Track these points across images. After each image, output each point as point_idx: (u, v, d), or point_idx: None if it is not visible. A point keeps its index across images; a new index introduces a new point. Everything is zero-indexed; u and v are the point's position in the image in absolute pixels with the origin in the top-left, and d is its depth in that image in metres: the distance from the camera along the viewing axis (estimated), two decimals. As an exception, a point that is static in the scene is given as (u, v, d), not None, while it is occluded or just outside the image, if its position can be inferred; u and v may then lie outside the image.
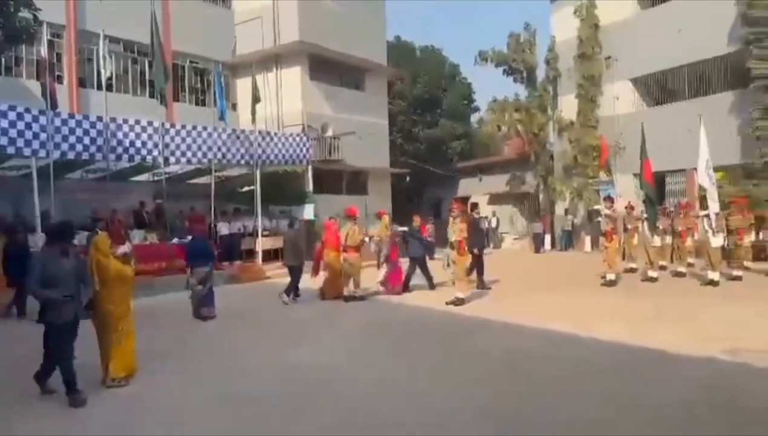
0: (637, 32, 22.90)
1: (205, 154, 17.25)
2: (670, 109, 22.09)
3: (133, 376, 6.13)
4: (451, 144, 36.82)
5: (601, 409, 5.07)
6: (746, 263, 14.61)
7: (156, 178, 18.80)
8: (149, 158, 16.06)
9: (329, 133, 23.04)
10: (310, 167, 20.60)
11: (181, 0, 22.45)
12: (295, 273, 12.33)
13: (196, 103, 23.38)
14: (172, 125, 16.67)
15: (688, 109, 19.79)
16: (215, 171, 19.11)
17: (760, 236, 16.29)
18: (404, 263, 13.58)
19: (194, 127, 16.96)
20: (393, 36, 35.87)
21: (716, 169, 15.49)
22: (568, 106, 25.08)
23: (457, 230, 11.43)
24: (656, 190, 16.93)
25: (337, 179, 24.81)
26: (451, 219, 11.80)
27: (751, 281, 13.22)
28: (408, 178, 33.30)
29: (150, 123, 15.66)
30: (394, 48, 34.25)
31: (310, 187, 20.97)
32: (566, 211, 25.05)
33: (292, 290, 12.11)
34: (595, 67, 23.82)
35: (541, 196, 27.16)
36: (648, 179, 15.38)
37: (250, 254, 18.65)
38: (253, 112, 19.17)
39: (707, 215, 13.32)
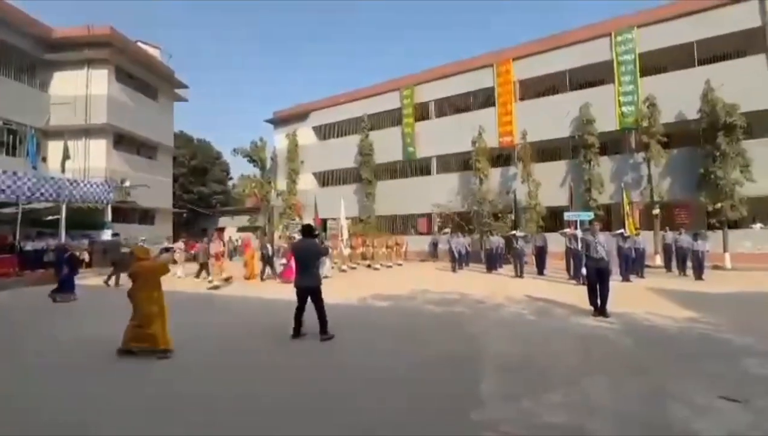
0: (314, 150, 25.42)
1: (14, 192, 13.47)
2: (332, 190, 24.38)
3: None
4: (215, 197, 34.91)
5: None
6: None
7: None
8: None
9: (127, 184, 19.97)
10: (109, 206, 17.64)
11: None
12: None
13: (7, 154, 17.65)
14: (-17, 169, 12.65)
15: (339, 190, 22.56)
16: (22, 204, 14.87)
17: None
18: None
19: (4, 172, 13.20)
20: (179, 129, 32.68)
21: (347, 218, 18.81)
22: (282, 182, 26.55)
23: (216, 247, 11.53)
24: (322, 229, 19.67)
25: (131, 214, 21.45)
26: (214, 240, 11.89)
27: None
28: (185, 215, 30.37)
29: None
30: (179, 136, 31.26)
31: (109, 218, 17.90)
32: (279, 237, 26.21)
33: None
34: (295, 164, 25.61)
35: (267, 229, 27.72)
36: (318, 223, 18.01)
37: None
38: (63, 165, 15.74)
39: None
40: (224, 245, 13.62)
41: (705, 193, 13.55)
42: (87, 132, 19.53)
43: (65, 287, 8.86)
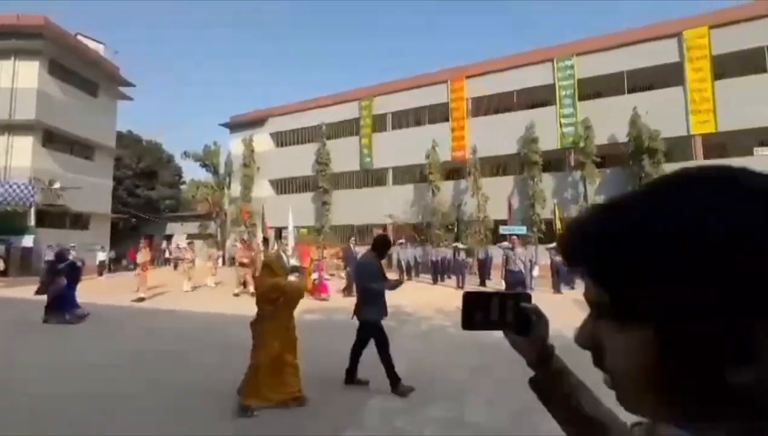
0: (271, 157, 24.92)
1: None
2: (288, 197, 23.39)
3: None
4: (165, 202, 33.04)
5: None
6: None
7: None
8: None
9: (56, 185, 18.35)
10: (33, 209, 16.17)
11: None
12: None
13: None
14: None
15: (296, 199, 22.19)
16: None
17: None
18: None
19: None
20: (126, 129, 30.81)
21: (303, 227, 18.37)
22: (236, 189, 25.74)
23: (144, 255, 10.63)
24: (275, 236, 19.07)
25: (61, 218, 19.68)
26: (141, 248, 10.89)
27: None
28: (133, 221, 28.47)
29: None
30: (126, 136, 29.47)
31: (32, 222, 16.41)
32: (233, 246, 25.18)
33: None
34: (250, 171, 24.95)
35: (219, 236, 26.64)
36: (268, 231, 17.38)
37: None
38: (-24, 164, 14.29)
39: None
40: (151, 254, 12.45)
41: (633, 210, 14.58)
42: (10, 128, 17.87)
43: (64, 304, 7.05)
